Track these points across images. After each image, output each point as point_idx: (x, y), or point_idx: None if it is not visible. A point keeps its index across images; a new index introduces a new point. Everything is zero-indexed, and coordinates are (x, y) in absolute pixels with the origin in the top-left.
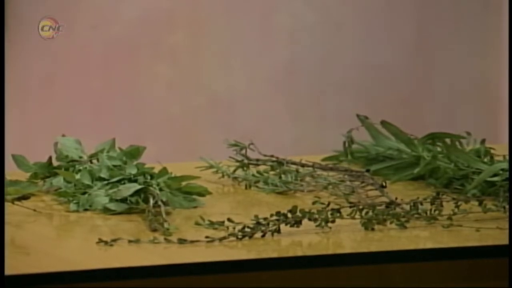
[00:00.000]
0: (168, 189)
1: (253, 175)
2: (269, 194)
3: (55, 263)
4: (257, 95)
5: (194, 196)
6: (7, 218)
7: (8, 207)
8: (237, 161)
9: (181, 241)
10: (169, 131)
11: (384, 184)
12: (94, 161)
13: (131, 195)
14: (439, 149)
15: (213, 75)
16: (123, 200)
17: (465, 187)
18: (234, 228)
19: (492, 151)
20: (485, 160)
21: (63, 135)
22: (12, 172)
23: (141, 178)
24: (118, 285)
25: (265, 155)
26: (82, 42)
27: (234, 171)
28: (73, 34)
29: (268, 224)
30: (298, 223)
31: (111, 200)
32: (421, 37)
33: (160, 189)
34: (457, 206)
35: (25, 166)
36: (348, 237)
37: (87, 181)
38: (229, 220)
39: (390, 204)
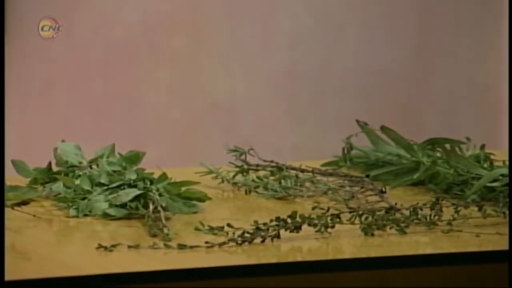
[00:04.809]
0: (168, 194)
1: (252, 180)
2: (269, 200)
3: (55, 268)
4: (257, 100)
5: (194, 202)
6: (7, 223)
7: (8, 212)
8: (237, 166)
9: (181, 246)
10: (169, 136)
11: (383, 189)
12: (94, 166)
13: (131, 201)
14: (438, 154)
15: (213, 79)
16: (123, 206)
17: (464, 193)
18: (233, 233)
19: (491, 156)
20: (485, 165)
21: (63, 141)
22: (12, 177)
23: (140, 184)
24: None
25: (265, 161)
26: (82, 46)
27: (234, 176)
28: (73, 37)
29: (267, 229)
30: (297, 228)
31: (110, 205)
32: (421, 42)
33: (160, 195)
34: (457, 212)
35: (24, 171)
36: (347, 243)
37: (86, 187)
38: (228, 225)
39: (390, 209)
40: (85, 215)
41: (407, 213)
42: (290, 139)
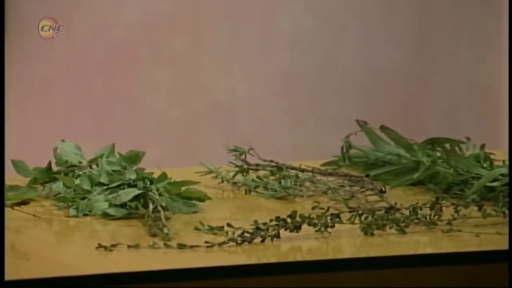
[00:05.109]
0: (168, 194)
1: (252, 180)
2: (269, 199)
3: (54, 268)
4: (257, 100)
5: (194, 201)
6: (7, 223)
7: (8, 212)
8: (237, 166)
9: (181, 246)
10: (169, 136)
11: (383, 189)
12: (94, 166)
13: (131, 200)
14: (438, 154)
15: (213, 79)
16: (123, 205)
17: (464, 192)
18: (233, 233)
19: (491, 156)
20: (485, 165)
21: (63, 140)
22: (11, 177)
23: (140, 183)
24: None
25: (264, 160)
26: (82, 46)
27: (234, 176)
28: (73, 37)
29: (267, 229)
30: (297, 228)
31: (110, 205)
32: (421, 42)
33: (160, 194)
34: (457, 211)
35: (24, 171)
36: (347, 242)
37: (86, 186)
38: (228, 225)
39: (390, 209)
40: (85, 214)
41: (407, 213)
42: (290, 139)
